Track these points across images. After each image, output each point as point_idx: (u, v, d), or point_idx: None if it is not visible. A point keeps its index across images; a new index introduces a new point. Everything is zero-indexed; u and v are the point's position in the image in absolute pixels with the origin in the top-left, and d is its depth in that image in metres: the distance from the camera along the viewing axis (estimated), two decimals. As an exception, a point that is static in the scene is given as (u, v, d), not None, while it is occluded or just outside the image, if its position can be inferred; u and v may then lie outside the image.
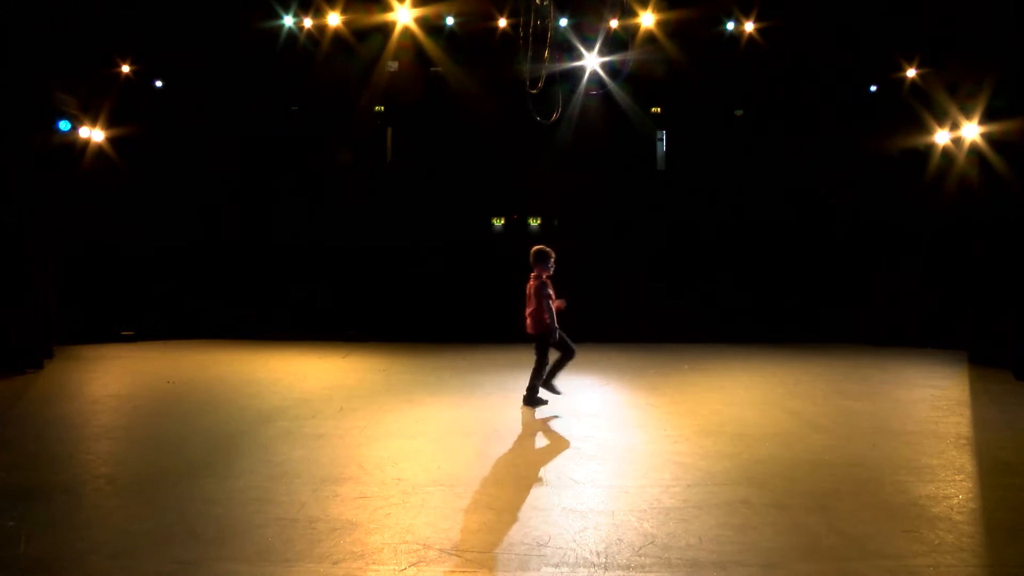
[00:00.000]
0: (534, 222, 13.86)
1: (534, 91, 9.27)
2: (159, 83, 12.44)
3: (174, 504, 3.81)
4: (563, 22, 11.89)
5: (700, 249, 13.53)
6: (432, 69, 12.96)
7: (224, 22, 11.88)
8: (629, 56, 12.42)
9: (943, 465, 4.70)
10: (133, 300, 12.50)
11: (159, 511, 3.70)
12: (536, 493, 4.08)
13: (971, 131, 10.16)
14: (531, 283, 6.50)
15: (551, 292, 6.42)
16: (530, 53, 9.13)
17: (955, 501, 3.94)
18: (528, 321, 6.50)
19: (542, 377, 6.57)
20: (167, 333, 12.64)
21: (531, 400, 6.59)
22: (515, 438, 5.41)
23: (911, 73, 11.87)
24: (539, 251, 6.53)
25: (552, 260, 6.48)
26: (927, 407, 6.75)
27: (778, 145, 13.31)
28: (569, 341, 6.56)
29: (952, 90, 10.71)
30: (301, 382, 8.21)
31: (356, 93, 12.99)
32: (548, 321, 6.32)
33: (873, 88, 12.64)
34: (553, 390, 6.67)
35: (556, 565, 3.08)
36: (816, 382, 8.29)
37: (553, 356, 6.60)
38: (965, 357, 9.99)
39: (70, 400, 7.00)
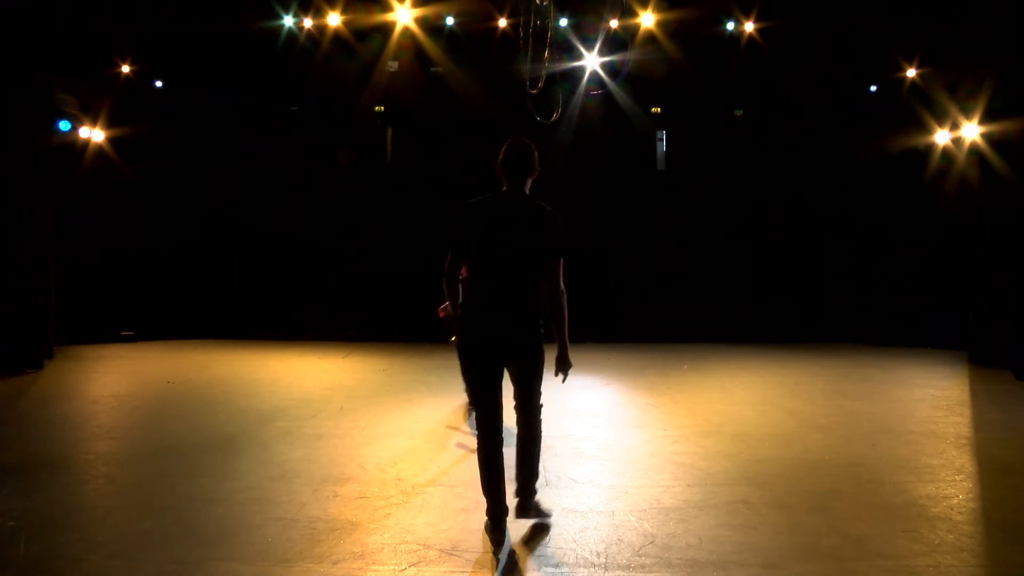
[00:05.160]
0: (534, 222, 13.84)
1: (534, 91, 9.26)
2: (159, 83, 12.44)
3: (174, 504, 3.81)
4: (563, 22, 11.89)
5: (699, 249, 13.53)
6: (432, 69, 12.95)
7: (224, 22, 11.87)
8: (629, 56, 12.42)
9: (943, 465, 4.70)
10: (133, 300, 12.50)
11: (159, 511, 3.70)
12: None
13: (971, 131, 10.15)
14: None
15: None
16: (530, 53, 9.12)
17: (955, 501, 3.94)
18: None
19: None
20: (167, 333, 12.63)
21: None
22: (514, 438, 5.39)
23: (911, 73, 11.86)
24: None
25: None
26: (927, 407, 6.75)
27: (778, 145, 13.31)
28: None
29: (952, 90, 10.70)
30: (301, 382, 8.21)
31: (356, 93, 12.99)
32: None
33: (873, 88, 12.64)
34: None
35: (556, 565, 3.08)
36: (816, 382, 8.28)
37: None
38: (965, 357, 9.99)
39: (70, 400, 6.99)
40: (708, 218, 13.52)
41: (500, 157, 3.60)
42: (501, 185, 3.60)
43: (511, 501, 3.48)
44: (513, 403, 3.54)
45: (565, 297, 3.46)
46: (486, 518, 3.40)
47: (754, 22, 12.11)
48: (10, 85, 8.51)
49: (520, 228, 3.39)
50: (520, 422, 3.57)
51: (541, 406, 3.58)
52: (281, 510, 3.72)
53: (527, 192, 3.57)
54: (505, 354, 3.42)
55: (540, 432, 3.59)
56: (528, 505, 3.53)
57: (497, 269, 3.36)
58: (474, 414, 3.85)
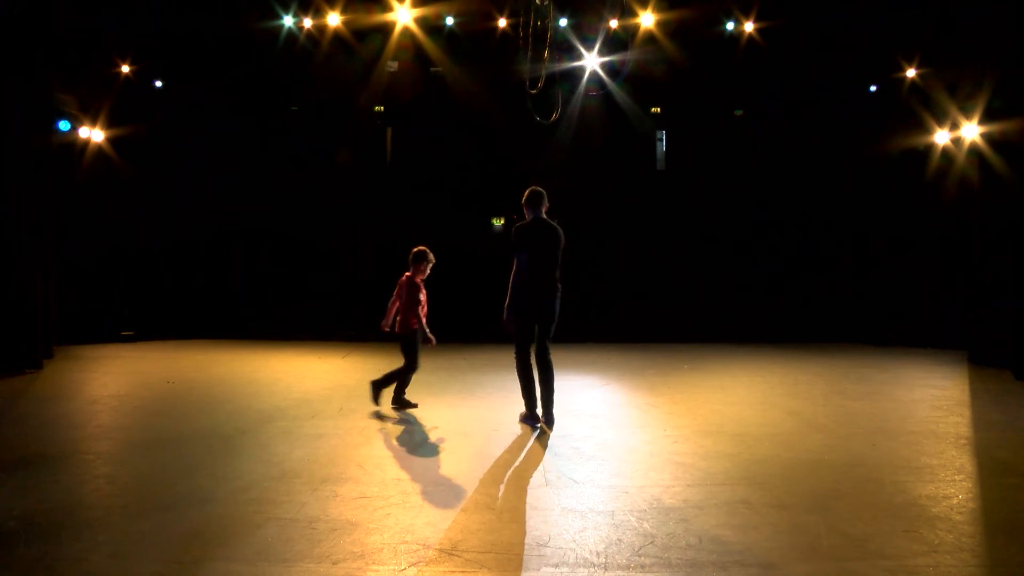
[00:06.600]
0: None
1: (534, 91, 9.26)
2: (159, 83, 12.45)
3: (174, 504, 3.81)
4: (563, 22, 11.89)
5: (700, 249, 13.53)
6: (432, 69, 12.96)
7: (224, 22, 11.87)
8: (629, 56, 12.42)
9: (943, 465, 4.70)
10: (133, 300, 12.50)
11: (159, 511, 3.70)
12: (536, 493, 4.08)
13: (971, 131, 10.15)
14: (402, 280, 6.47)
15: (422, 297, 6.44)
16: (530, 53, 9.12)
17: (955, 501, 3.94)
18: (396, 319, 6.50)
19: (406, 379, 6.52)
20: (167, 333, 12.64)
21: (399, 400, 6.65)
22: (514, 438, 5.41)
23: (911, 73, 11.86)
24: (417, 252, 6.49)
25: (429, 263, 6.49)
26: (927, 407, 6.75)
27: (777, 145, 13.31)
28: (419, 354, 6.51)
29: (952, 90, 10.70)
30: (301, 382, 8.21)
31: (356, 93, 12.99)
32: (415, 325, 6.38)
33: (873, 88, 12.64)
34: (406, 404, 6.59)
35: (556, 565, 3.08)
36: (816, 382, 8.28)
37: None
38: (965, 357, 9.99)
39: (70, 400, 6.99)
40: (708, 218, 13.52)
41: (524, 199, 5.86)
42: (525, 214, 5.85)
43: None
44: (535, 347, 5.76)
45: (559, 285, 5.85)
46: (525, 412, 5.90)
47: (754, 22, 12.12)
48: (10, 85, 8.51)
49: (550, 240, 5.72)
50: (539, 363, 5.74)
51: (548, 346, 5.80)
52: (281, 510, 3.72)
53: (545, 217, 5.81)
54: (540, 317, 5.73)
55: (552, 367, 5.78)
56: (549, 415, 5.80)
57: (542, 267, 5.66)
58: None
